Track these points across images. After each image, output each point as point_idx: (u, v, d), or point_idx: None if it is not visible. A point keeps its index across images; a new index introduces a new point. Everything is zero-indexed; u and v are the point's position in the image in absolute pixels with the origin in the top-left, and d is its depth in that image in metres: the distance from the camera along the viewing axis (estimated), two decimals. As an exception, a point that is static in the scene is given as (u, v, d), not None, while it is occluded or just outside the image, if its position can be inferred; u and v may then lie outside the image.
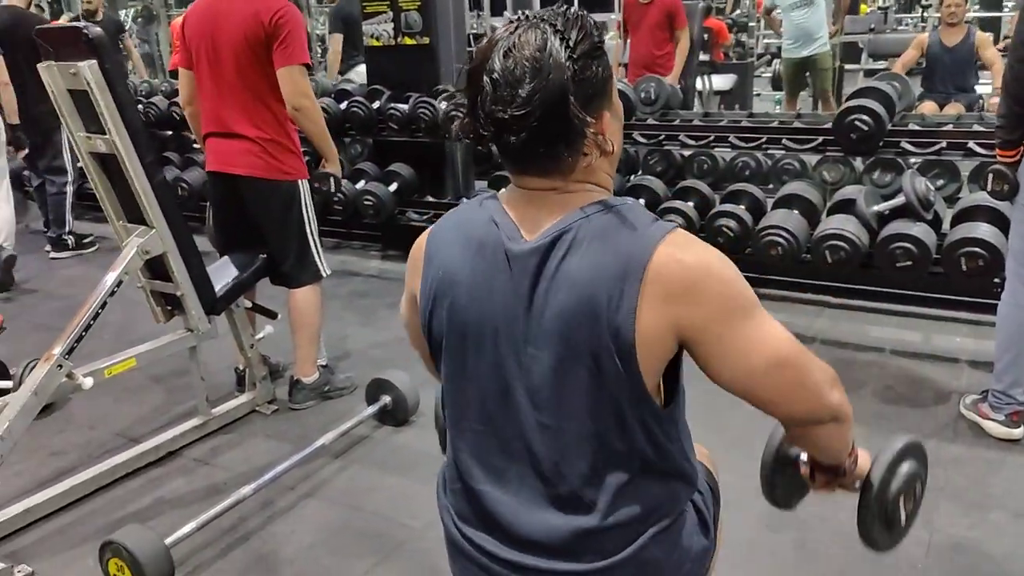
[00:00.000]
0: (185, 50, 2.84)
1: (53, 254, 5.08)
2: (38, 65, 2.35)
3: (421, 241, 1.17)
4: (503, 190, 1.12)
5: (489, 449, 1.11)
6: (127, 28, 6.75)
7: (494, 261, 1.06)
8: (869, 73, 9.46)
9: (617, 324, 0.98)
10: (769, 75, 10.74)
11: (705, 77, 7.76)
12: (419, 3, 4.42)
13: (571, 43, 0.97)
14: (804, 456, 1.29)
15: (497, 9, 12.95)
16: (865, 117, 3.18)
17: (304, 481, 2.55)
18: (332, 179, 2.98)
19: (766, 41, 11.75)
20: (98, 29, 2.30)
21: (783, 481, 1.34)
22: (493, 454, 1.11)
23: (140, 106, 5.28)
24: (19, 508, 2.35)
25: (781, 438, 1.32)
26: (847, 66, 9.75)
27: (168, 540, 2.08)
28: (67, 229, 5.05)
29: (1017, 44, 2.29)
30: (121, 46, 6.42)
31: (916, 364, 3.16)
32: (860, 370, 3.14)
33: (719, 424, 2.20)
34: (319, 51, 9.84)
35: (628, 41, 5.90)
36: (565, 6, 1.07)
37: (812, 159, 4.07)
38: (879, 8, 10.25)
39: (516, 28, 0.99)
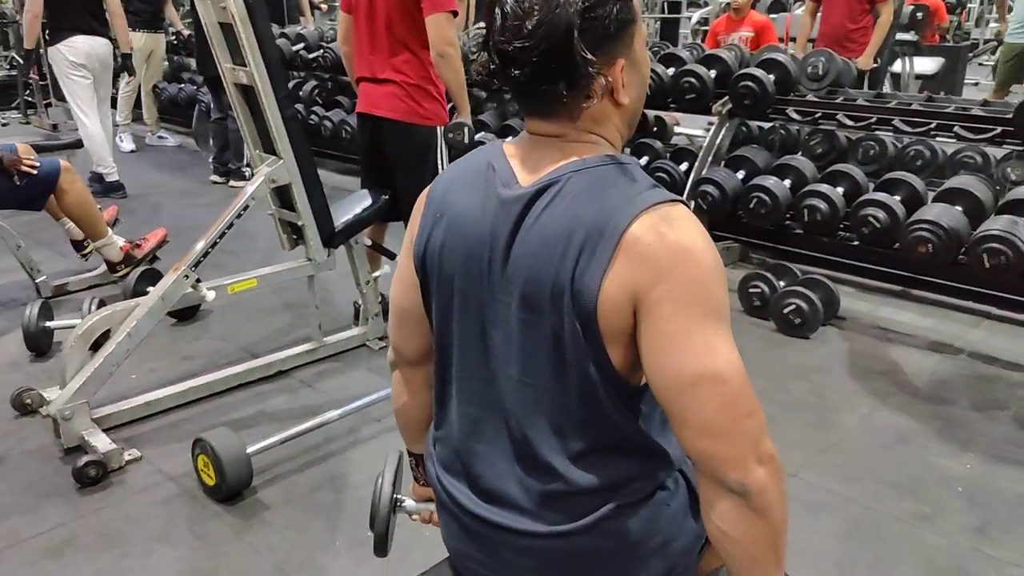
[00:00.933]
0: None
1: (234, 183, 5.56)
2: (194, -2, 2.55)
3: (425, 190, 1.16)
4: (511, 138, 1.09)
5: (469, 398, 1.10)
6: None
7: (485, 206, 1.04)
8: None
9: (582, 284, 0.94)
10: (992, 63, 9.69)
11: (906, 58, 7.10)
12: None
13: None
14: None
15: (697, -23, 12.51)
16: (1053, 108, 2.79)
17: (390, 415, 2.60)
18: (466, 128, 3.03)
19: (995, 26, 10.59)
20: (245, -34, 2.44)
21: None
22: (472, 403, 1.10)
23: (320, 51, 5.61)
24: (141, 400, 2.62)
25: None
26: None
27: (251, 448, 2.24)
28: (245, 162, 5.52)
29: None
30: None
31: (1076, 393, 2.78)
32: (1005, 390, 2.81)
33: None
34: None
35: (819, 13, 5.49)
36: None
37: (997, 153, 3.65)
38: None
39: None
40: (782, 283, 3.37)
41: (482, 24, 1.03)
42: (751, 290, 3.39)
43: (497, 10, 0.96)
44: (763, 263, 3.87)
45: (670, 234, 0.93)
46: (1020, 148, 3.16)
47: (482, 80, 1.02)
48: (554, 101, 0.98)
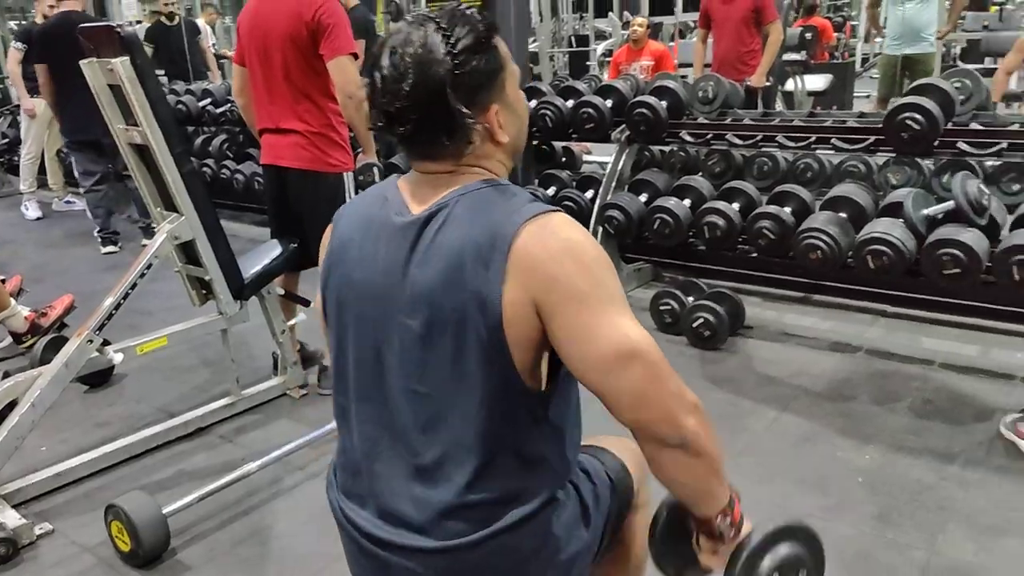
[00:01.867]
0: (240, 49, 3.01)
1: (145, 241, 5.36)
2: (81, 62, 2.55)
3: (329, 225, 1.23)
4: (403, 176, 1.17)
5: (367, 419, 1.15)
6: (202, 31, 7.18)
7: (379, 233, 1.11)
8: (985, 74, 8.88)
9: (484, 296, 1.01)
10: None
11: (797, 77, 7.48)
12: (480, 2, 4.49)
13: (452, 39, 1.03)
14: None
15: (602, 11, 12.95)
16: (917, 116, 2.99)
17: (313, 462, 2.64)
18: (375, 168, 3.07)
19: (879, 40, 11.25)
20: (131, 28, 2.47)
21: (673, 549, 1.26)
22: (370, 424, 1.15)
23: (227, 105, 5.59)
24: (51, 472, 2.54)
25: (673, 504, 1.25)
26: (966, 66, 9.19)
27: (167, 509, 2.20)
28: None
29: None
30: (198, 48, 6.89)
31: (964, 379, 2.95)
32: (901, 383, 2.97)
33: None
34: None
35: (710, 39, 5.76)
36: (455, 4, 1.13)
37: (878, 161, 3.87)
38: (997, 4, 9.57)
39: (405, 27, 1.06)
40: (690, 299, 3.49)
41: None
42: (662, 307, 3.51)
43: (376, 73, 1.05)
44: (674, 280, 4.00)
45: (552, 240, 1.02)
46: (893, 154, 3.36)
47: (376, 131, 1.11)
48: (438, 149, 1.08)
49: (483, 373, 1.04)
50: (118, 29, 2.43)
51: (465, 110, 1.03)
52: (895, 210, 3.09)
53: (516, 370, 1.04)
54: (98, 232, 5.41)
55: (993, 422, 2.62)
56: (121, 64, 2.41)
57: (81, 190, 5.54)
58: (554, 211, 1.07)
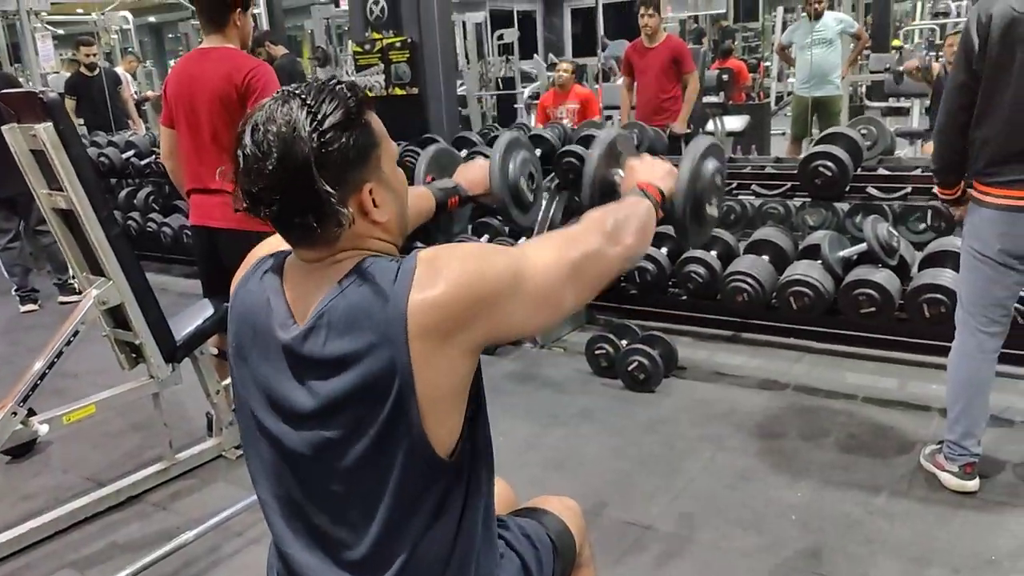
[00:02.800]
0: (167, 110, 2.98)
1: (61, 298, 5.22)
2: (2, 127, 2.50)
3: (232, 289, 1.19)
4: (290, 256, 1.13)
5: (293, 513, 1.14)
6: (123, 80, 7.09)
7: (268, 347, 1.09)
8: (889, 112, 9.39)
9: (397, 392, 1.00)
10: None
11: (716, 119, 7.77)
12: (407, 56, 4.56)
13: (319, 116, 0.99)
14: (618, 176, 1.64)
15: (527, 53, 13.23)
16: (828, 163, 3.17)
17: (253, 527, 2.58)
18: None
19: (792, 80, 11.80)
20: (53, 93, 2.43)
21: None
22: (293, 518, 1.14)
23: (152, 157, 5.50)
24: (-27, 551, 2.44)
25: (599, 162, 1.67)
26: (870, 103, 9.70)
27: (100, 586, 2.13)
28: (71, 274, 5.15)
29: (952, 88, 2.29)
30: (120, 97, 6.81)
31: (886, 412, 3.09)
32: (827, 418, 3.09)
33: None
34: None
35: (634, 86, 5.95)
36: (327, 78, 1.09)
37: (795, 204, 4.07)
38: (895, 48, 10.16)
39: (269, 103, 1.02)
40: (624, 342, 3.57)
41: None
42: (596, 352, 3.58)
43: (239, 152, 1.01)
44: (608, 323, 4.09)
45: (435, 295, 0.99)
46: (809, 198, 3.54)
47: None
48: (308, 233, 1.02)
49: (404, 465, 1.03)
50: (40, 95, 2.39)
51: (331, 190, 0.97)
52: (813, 252, 3.25)
53: (436, 451, 1.03)
54: (16, 291, 5.21)
55: (914, 454, 2.74)
56: (44, 130, 2.38)
57: None
58: (416, 259, 1.03)
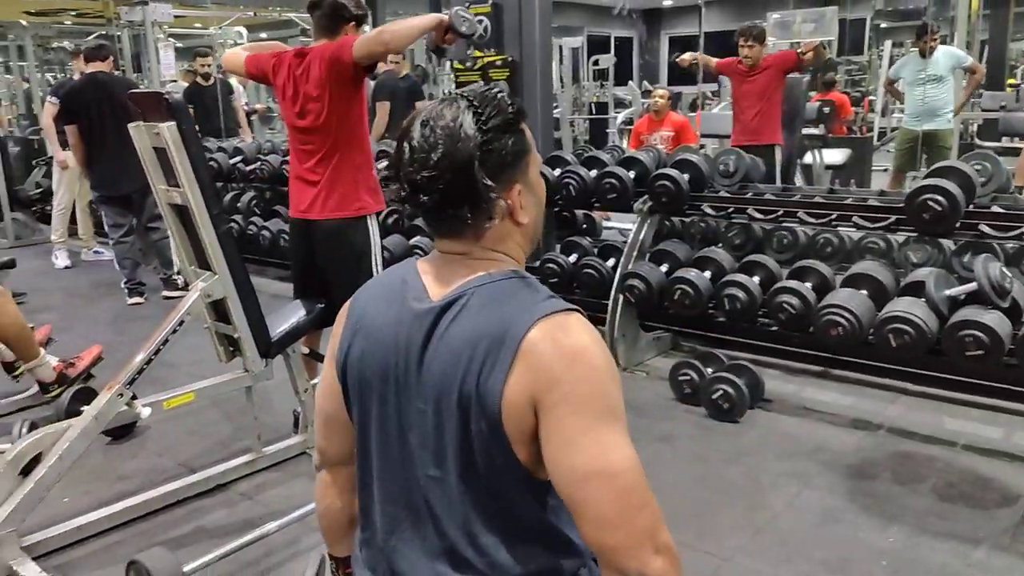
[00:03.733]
0: (262, 64, 3.12)
1: (166, 292, 5.49)
2: (129, 125, 2.65)
3: (348, 302, 1.25)
4: (424, 256, 1.20)
5: (389, 498, 1.16)
6: (235, 91, 7.45)
7: (399, 318, 1.13)
8: (1002, 152, 8.95)
9: (485, 389, 1.03)
10: (897, 150, 10.37)
11: (815, 151, 7.58)
12: (507, 74, 4.62)
13: (483, 117, 1.07)
14: None
15: (621, 79, 13.26)
16: (938, 197, 3.04)
17: (332, 524, 2.64)
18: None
19: (897, 116, 11.40)
20: (178, 95, 2.58)
21: None
22: (392, 503, 1.16)
23: (257, 163, 5.74)
24: (73, 524, 2.56)
25: None
26: (981, 143, 9.28)
27: (187, 567, 2.21)
28: (176, 270, 5.45)
29: None
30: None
31: (988, 462, 2.93)
32: (923, 464, 2.95)
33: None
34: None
35: (724, 101, 5.90)
36: (490, 85, 1.17)
37: (898, 239, 3.92)
38: (1012, 86, 9.70)
39: (437, 103, 1.10)
40: (710, 370, 3.50)
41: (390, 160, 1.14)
42: (680, 378, 3.52)
43: (405, 144, 1.09)
44: (693, 351, 4.02)
45: (564, 340, 1.03)
46: (915, 233, 3.40)
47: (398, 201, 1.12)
48: (459, 223, 1.09)
49: (489, 461, 1.05)
50: (166, 96, 2.53)
51: (490, 183, 1.06)
52: (916, 289, 3.12)
53: (519, 460, 1.05)
54: (125, 283, 5.50)
55: (1018, 507, 2.59)
56: (168, 129, 2.51)
57: (109, 242, 5.66)
58: (570, 311, 1.07)
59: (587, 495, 1.00)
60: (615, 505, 0.99)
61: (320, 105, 2.92)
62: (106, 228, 5.60)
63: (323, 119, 2.93)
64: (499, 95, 1.11)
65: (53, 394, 3.54)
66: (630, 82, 11.41)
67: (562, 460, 1.01)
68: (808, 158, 7.44)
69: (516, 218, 1.12)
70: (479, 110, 1.07)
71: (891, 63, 9.58)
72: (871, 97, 11.01)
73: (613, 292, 3.91)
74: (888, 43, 10.80)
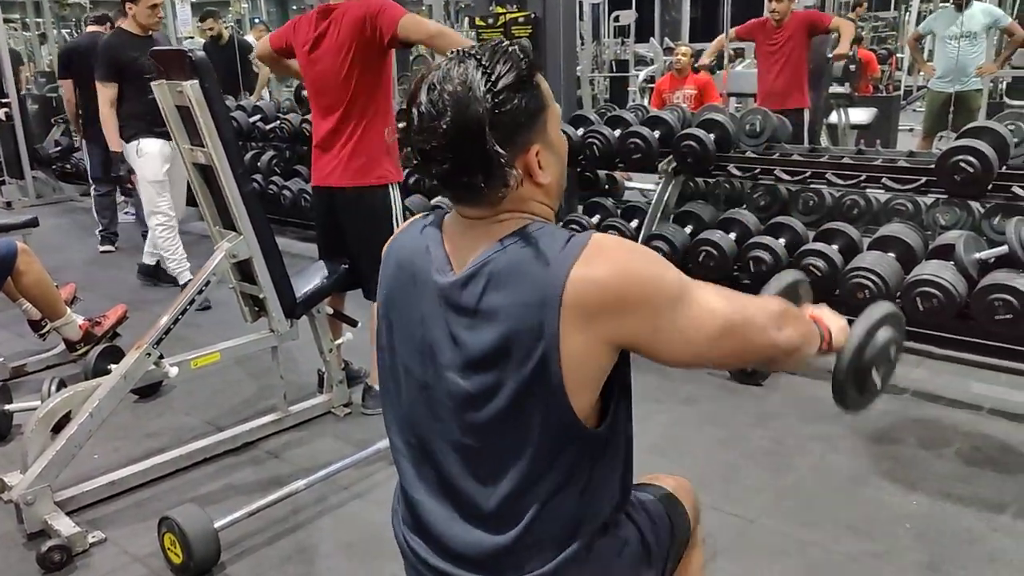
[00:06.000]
0: (281, 39, 3.06)
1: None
2: (152, 83, 2.63)
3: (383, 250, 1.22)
4: (449, 214, 1.16)
5: (424, 461, 1.17)
6: (253, 48, 7.39)
7: (424, 291, 1.11)
8: (1033, 111, 8.74)
9: (541, 354, 1.01)
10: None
11: (841, 110, 7.44)
12: (530, 31, 4.55)
13: (493, 77, 1.01)
14: None
15: (643, 36, 13.01)
16: (970, 158, 2.98)
17: (358, 482, 2.67)
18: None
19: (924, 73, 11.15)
20: (201, 53, 2.55)
21: None
22: (425, 466, 1.16)
23: (277, 122, 5.71)
24: (105, 480, 2.61)
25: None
26: (1011, 102, 9.07)
27: (218, 523, 2.25)
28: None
29: None
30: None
31: (1015, 427, 2.91)
32: (949, 428, 2.93)
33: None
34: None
35: (754, 69, 5.79)
36: (498, 40, 1.09)
37: (927, 200, 3.86)
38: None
39: (445, 63, 1.04)
40: (734, 332, 3.48)
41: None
42: (704, 340, 3.50)
43: (413, 111, 1.04)
44: (716, 313, 3.99)
45: (600, 275, 1.00)
46: (945, 195, 3.34)
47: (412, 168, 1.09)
48: (474, 191, 1.04)
49: (542, 426, 1.05)
50: (189, 54, 2.51)
51: (502, 151, 0.99)
52: (945, 252, 3.08)
53: (576, 415, 1.05)
54: (100, 231, 5.92)
55: (1045, 472, 2.58)
56: (191, 87, 2.49)
57: (92, 191, 6.02)
58: (590, 238, 1.04)
59: (720, 354, 1.10)
60: (744, 343, 1.11)
61: (345, 68, 2.82)
62: (90, 177, 5.91)
63: (347, 82, 2.87)
64: (510, 49, 1.05)
65: (79, 352, 3.58)
66: (652, 39, 11.17)
67: (684, 351, 1.07)
68: (833, 117, 7.31)
69: (536, 179, 1.08)
70: (488, 69, 1.01)
71: (919, 20, 9.36)
72: (899, 55, 10.77)
73: (636, 254, 3.87)
74: (916, -1, 10.55)
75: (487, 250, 1.06)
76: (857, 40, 9.31)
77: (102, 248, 5.87)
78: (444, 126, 0.99)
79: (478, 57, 1.02)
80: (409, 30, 2.77)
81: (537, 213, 1.11)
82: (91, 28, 5.82)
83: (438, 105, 1.00)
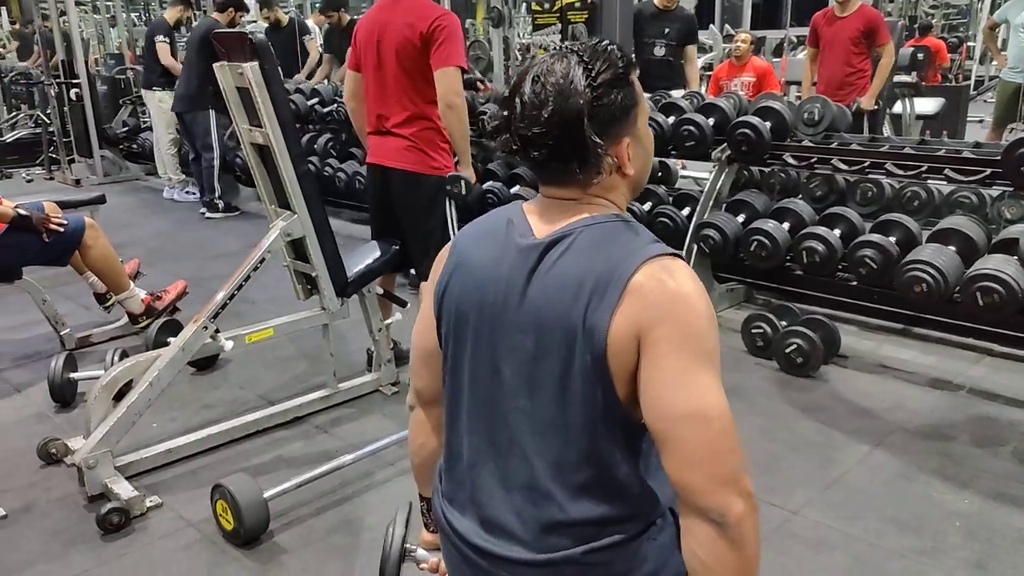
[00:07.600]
0: (355, 54, 3.14)
1: (208, 214, 6.40)
2: (214, 64, 2.70)
3: (450, 241, 1.28)
4: (528, 201, 1.21)
5: (477, 431, 1.19)
6: (311, 32, 7.56)
7: (503, 253, 1.15)
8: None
9: (593, 323, 1.04)
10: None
11: (907, 100, 7.22)
12: (586, 16, 4.53)
13: (593, 73, 1.07)
14: None
15: (702, 23, 12.78)
16: (1040, 150, 2.88)
17: (403, 459, 2.72)
18: (463, 182, 3.11)
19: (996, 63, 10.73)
20: (261, 36, 2.61)
21: None
22: (479, 436, 1.19)
23: (334, 105, 5.80)
24: (162, 448, 2.71)
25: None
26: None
27: (268, 493, 2.32)
28: (217, 195, 6.36)
29: None
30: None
31: (1076, 428, 2.82)
32: (1005, 427, 2.86)
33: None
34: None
35: (817, 60, 5.66)
36: (599, 39, 1.16)
37: (992, 193, 3.74)
38: None
39: (549, 57, 1.11)
40: (783, 323, 3.44)
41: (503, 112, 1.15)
42: (753, 330, 3.47)
43: (517, 99, 1.10)
44: (767, 303, 3.95)
45: (669, 282, 1.05)
46: (1011, 188, 3.24)
47: (506, 154, 1.15)
48: (568, 176, 1.11)
49: (587, 398, 1.07)
50: (250, 37, 2.57)
51: (598, 140, 1.07)
52: (1009, 247, 2.98)
53: (619, 398, 1.07)
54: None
55: (1105, 476, 2.49)
56: (251, 69, 2.55)
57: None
58: (676, 256, 1.09)
59: (681, 433, 1.01)
60: (706, 447, 1.01)
61: (407, 61, 2.94)
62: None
63: (411, 73, 2.95)
64: (609, 48, 1.11)
65: (141, 325, 3.72)
66: (711, 26, 10.96)
67: (660, 395, 1.03)
68: (898, 107, 7.10)
69: (624, 170, 1.14)
70: (589, 65, 1.07)
71: (993, 8, 9.01)
72: (970, 43, 10.40)
73: (687, 242, 3.85)
74: (992, -15, 10.14)
75: (573, 223, 1.12)
76: (927, 28, 9.05)
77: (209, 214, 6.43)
78: (546, 115, 1.06)
79: (580, 53, 1.09)
80: (440, 79, 2.90)
81: (617, 203, 1.16)
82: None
83: (541, 96, 1.07)
